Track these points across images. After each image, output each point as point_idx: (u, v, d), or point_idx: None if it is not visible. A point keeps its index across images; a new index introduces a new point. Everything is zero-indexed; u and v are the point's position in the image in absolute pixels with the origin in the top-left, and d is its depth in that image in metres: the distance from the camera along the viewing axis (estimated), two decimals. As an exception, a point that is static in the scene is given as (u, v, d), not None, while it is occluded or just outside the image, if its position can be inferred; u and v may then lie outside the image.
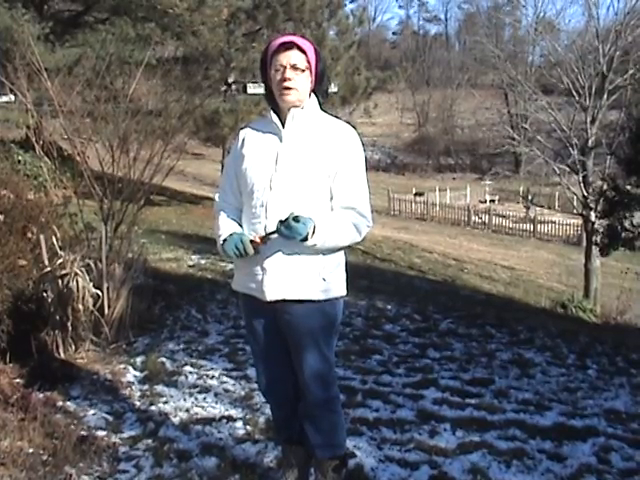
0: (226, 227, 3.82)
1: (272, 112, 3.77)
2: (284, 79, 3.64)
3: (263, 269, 3.70)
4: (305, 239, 3.52)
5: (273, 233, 3.57)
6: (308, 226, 3.49)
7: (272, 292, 3.71)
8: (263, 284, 3.71)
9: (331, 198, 3.72)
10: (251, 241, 3.63)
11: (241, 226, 3.80)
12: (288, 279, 3.69)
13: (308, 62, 3.68)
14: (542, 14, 44.32)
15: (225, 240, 3.73)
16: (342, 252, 3.88)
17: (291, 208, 3.57)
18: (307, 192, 3.66)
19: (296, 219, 3.45)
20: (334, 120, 3.83)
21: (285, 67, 3.63)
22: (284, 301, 3.73)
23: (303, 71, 3.67)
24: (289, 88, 3.64)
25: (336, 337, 4.00)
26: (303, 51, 3.66)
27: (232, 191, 3.90)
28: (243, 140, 3.89)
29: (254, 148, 3.81)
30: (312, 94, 3.81)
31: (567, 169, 24.88)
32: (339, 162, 3.67)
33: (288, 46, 3.64)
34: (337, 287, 3.83)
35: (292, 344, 3.91)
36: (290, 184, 3.65)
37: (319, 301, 3.75)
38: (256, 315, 3.92)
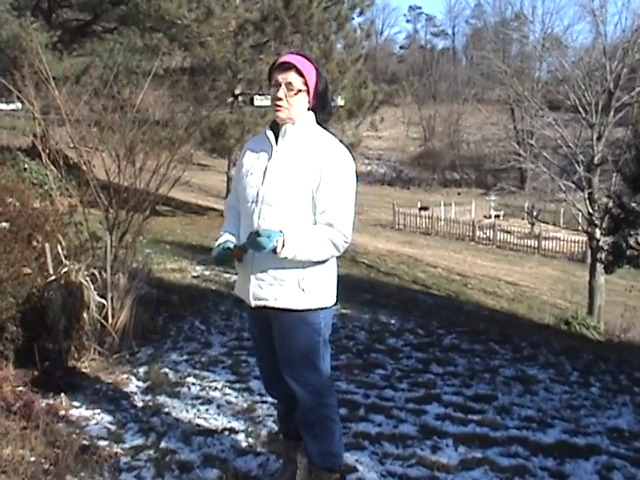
0: (222, 235, 4.10)
1: (269, 127, 3.99)
2: (276, 97, 3.82)
3: (249, 277, 3.92)
4: (275, 251, 3.69)
5: (244, 246, 3.83)
6: (273, 240, 3.66)
7: (255, 299, 3.94)
8: (248, 291, 3.95)
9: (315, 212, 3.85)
10: (232, 251, 3.93)
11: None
12: (269, 288, 3.89)
13: (306, 84, 3.83)
14: (549, 30, 44.61)
15: (217, 247, 4.03)
16: (328, 263, 4.00)
17: (277, 221, 3.78)
18: (291, 206, 3.82)
19: (258, 234, 3.64)
20: (325, 138, 3.94)
21: (280, 85, 3.80)
22: (267, 308, 3.93)
23: (299, 92, 3.82)
24: (280, 106, 3.83)
25: (326, 347, 4.09)
26: (302, 74, 3.80)
27: (237, 196, 4.10)
28: (245, 151, 4.12)
29: (249, 162, 4.03)
30: (310, 111, 3.94)
31: (573, 186, 24.92)
32: (322, 177, 3.79)
33: (287, 66, 3.80)
34: (319, 298, 3.96)
35: (279, 351, 4.06)
36: (276, 198, 3.82)
37: (299, 310, 3.89)
38: (252, 317, 4.21)
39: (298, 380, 4.03)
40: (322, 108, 3.97)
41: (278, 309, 3.90)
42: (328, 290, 4.02)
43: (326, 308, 4.00)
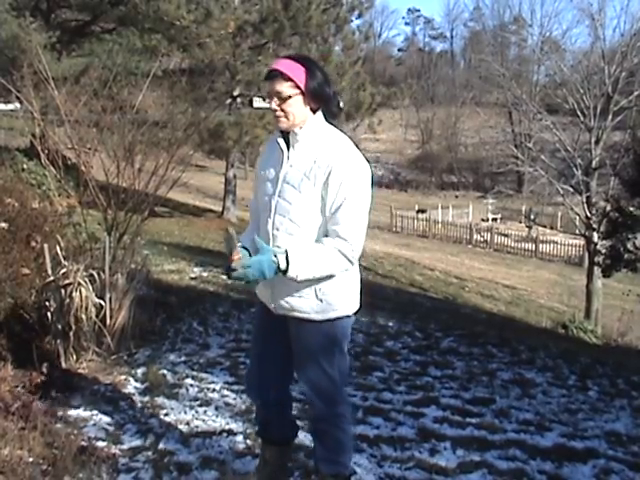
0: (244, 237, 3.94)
1: (280, 133, 3.82)
2: (272, 109, 3.70)
3: (272, 285, 3.81)
4: (285, 272, 3.57)
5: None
6: (264, 266, 3.52)
7: (278, 307, 3.87)
8: (271, 299, 3.88)
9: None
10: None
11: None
12: (289, 299, 3.81)
13: (297, 87, 3.63)
14: (548, 34, 44.84)
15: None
16: (347, 272, 3.85)
17: (290, 232, 3.70)
18: (303, 217, 3.69)
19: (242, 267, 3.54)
20: (336, 140, 3.76)
21: (272, 96, 3.67)
22: (288, 316, 3.87)
23: (289, 97, 3.64)
24: (277, 117, 3.70)
25: (343, 356, 4.00)
26: (288, 78, 3.62)
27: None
28: (262, 155, 4.02)
29: (263, 169, 3.91)
30: (318, 112, 3.77)
31: (570, 189, 24.92)
32: (329, 183, 3.64)
33: (272, 75, 3.64)
34: (337, 307, 3.84)
35: (295, 357, 4.02)
36: (288, 209, 3.70)
37: (317, 321, 3.82)
38: (267, 319, 4.02)
39: (312, 387, 3.99)
40: (326, 105, 3.78)
41: (297, 319, 3.85)
42: (347, 299, 3.90)
43: (346, 317, 3.90)
